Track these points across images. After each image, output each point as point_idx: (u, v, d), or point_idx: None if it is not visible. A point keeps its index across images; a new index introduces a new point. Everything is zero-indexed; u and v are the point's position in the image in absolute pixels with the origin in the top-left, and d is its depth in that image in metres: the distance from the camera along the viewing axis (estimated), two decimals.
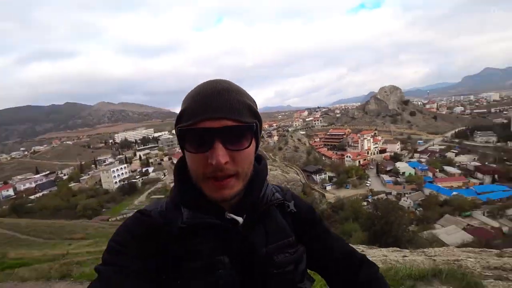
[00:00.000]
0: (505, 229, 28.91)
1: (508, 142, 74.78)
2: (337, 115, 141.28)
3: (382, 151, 72.33)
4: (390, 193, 45.39)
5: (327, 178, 53.96)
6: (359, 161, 63.01)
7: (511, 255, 2.78)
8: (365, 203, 37.93)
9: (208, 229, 0.61)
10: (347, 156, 65.43)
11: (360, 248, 3.99)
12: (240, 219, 0.63)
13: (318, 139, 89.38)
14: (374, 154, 70.82)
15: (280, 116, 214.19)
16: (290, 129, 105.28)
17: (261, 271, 0.63)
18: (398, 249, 3.86)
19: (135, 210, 0.67)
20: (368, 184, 52.03)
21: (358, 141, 73.50)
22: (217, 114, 0.55)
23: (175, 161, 0.70)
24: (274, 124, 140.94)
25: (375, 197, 40.13)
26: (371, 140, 72.33)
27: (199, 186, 0.60)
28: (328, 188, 49.88)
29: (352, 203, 33.30)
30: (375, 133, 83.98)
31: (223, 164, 0.55)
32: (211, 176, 0.57)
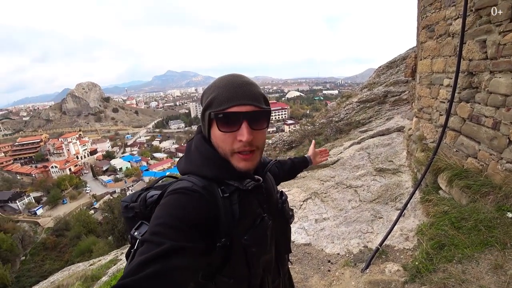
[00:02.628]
0: None
1: (192, 126, 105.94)
2: (25, 118, 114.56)
3: (93, 152, 71.46)
4: (115, 192, 47.55)
5: (33, 200, 44.51)
6: (70, 169, 57.99)
7: None
8: (92, 212, 37.20)
9: (253, 191, 0.81)
10: (52, 167, 57.28)
11: None
12: (261, 179, 0.86)
13: (3, 154, 68.40)
14: (85, 157, 68.05)
15: None
16: None
17: (278, 209, 0.94)
18: None
19: (178, 188, 0.73)
20: (88, 191, 50.34)
21: (62, 146, 66.25)
22: (244, 101, 0.74)
23: None
24: None
25: (102, 201, 40.27)
26: (78, 143, 68.40)
27: (227, 161, 0.78)
28: (40, 212, 41.82)
29: (77, 217, 31.19)
30: (80, 134, 79.94)
31: (249, 140, 0.73)
32: (237, 151, 0.76)
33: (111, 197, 37.63)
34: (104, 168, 60.47)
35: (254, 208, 0.83)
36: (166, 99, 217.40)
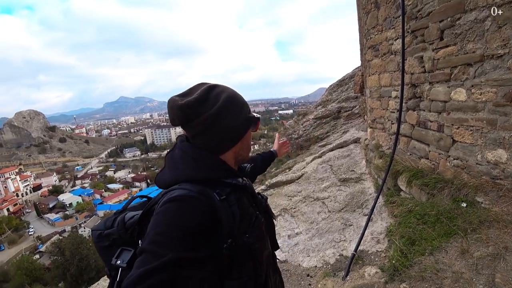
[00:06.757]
0: None
1: (148, 153, 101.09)
2: None
3: (37, 187, 64.04)
4: (64, 231, 42.59)
5: None
6: (8, 209, 50.86)
7: None
8: (37, 256, 32.64)
9: (244, 190, 0.86)
10: None
11: None
12: (246, 179, 0.92)
13: None
14: (26, 194, 60.57)
15: None
16: None
17: (264, 206, 0.97)
18: None
19: (175, 196, 0.69)
20: (32, 233, 44.36)
21: None
22: None
23: None
24: None
25: (49, 242, 35.54)
26: (18, 179, 60.73)
27: (221, 161, 0.83)
28: None
29: (19, 264, 26.64)
30: (20, 168, 71.38)
31: None
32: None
33: (61, 237, 33.65)
34: (51, 205, 54.16)
35: (248, 207, 0.85)
36: (119, 126, 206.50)
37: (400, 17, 2.78)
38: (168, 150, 0.89)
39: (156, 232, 0.63)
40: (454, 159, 2.34)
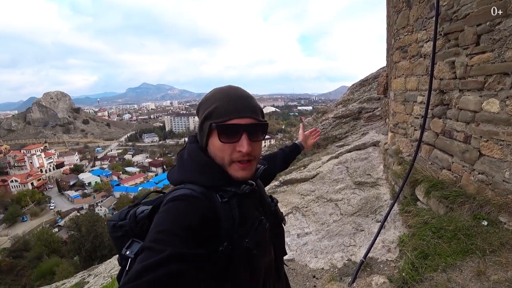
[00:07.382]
0: None
1: (166, 140, 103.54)
2: None
3: (60, 165, 67.35)
4: (82, 208, 44.65)
5: None
6: (32, 183, 53.96)
7: None
8: (56, 230, 34.63)
9: (249, 195, 0.83)
10: (12, 181, 52.95)
11: None
12: (254, 183, 0.87)
13: None
14: (50, 170, 63.90)
15: None
16: None
17: (272, 211, 0.96)
18: None
19: (178, 195, 0.72)
20: (52, 207, 46.89)
21: (24, 159, 61.79)
22: (244, 113, 0.78)
23: None
24: None
25: (67, 218, 37.48)
26: (43, 155, 64.14)
27: (224, 170, 0.80)
28: None
29: (39, 236, 28.41)
30: (45, 146, 75.19)
31: (248, 151, 0.77)
32: (236, 160, 0.79)
33: (78, 214, 35.28)
34: (71, 183, 56.86)
35: (252, 211, 0.85)
36: (140, 111, 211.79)
37: (433, 18, 2.64)
38: (181, 149, 0.92)
39: (158, 230, 0.65)
40: (479, 173, 2.22)
